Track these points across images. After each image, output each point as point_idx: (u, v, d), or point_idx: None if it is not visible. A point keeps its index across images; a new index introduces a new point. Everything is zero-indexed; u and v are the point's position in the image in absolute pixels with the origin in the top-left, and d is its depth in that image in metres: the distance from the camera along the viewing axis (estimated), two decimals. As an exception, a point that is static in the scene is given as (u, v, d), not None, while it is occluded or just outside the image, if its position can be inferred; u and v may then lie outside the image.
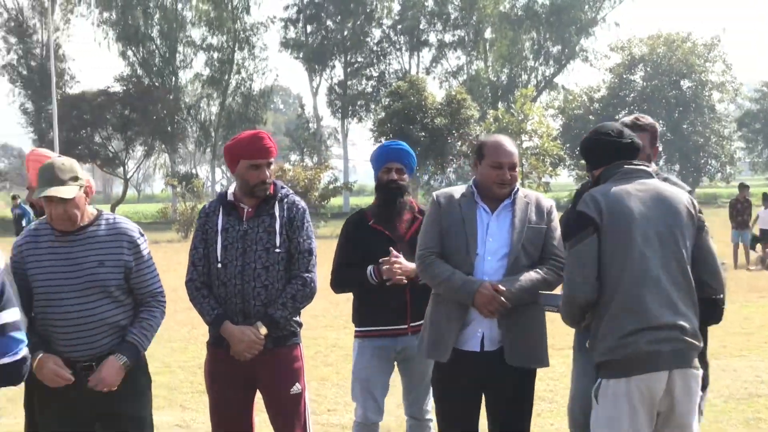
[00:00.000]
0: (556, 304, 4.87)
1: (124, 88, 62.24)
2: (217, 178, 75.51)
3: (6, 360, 4.13)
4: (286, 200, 5.48)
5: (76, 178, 4.84)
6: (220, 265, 5.38)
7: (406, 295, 5.86)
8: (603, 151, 4.80)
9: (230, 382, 5.46)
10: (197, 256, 5.47)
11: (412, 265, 5.68)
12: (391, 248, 5.80)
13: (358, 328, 6.09)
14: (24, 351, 4.23)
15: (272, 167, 5.46)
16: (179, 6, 65.24)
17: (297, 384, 5.47)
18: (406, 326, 5.91)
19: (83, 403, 4.93)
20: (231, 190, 5.54)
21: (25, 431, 5.61)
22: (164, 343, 11.19)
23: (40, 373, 4.80)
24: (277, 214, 5.41)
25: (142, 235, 5.15)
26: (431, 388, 5.57)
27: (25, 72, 64.27)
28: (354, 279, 5.95)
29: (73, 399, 4.90)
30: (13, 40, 64.20)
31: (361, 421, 6.02)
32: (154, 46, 65.35)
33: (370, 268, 5.83)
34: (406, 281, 5.77)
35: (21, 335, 4.13)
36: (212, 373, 5.58)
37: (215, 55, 66.23)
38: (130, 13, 63.53)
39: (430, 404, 5.96)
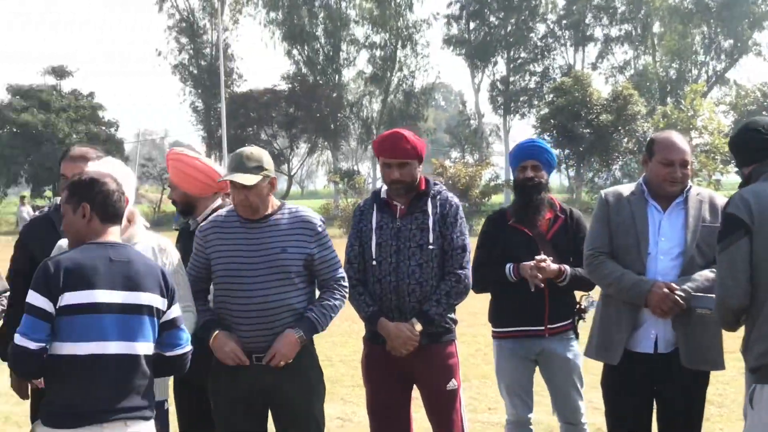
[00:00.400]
0: (709, 307, 4.72)
1: (290, 86, 63.59)
2: (378, 175, 76.17)
3: (175, 352, 4.30)
4: (438, 197, 5.47)
5: (261, 168, 4.96)
6: (374, 263, 5.41)
7: (544, 296, 5.77)
8: (753, 147, 4.58)
9: (386, 377, 5.49)
10: (353, 253, 5.51)
11: (555, 267, 5.64)
12: (542, 252, 5.73)
13: (494, 329, 6.05)
14: (189, 345, 4.33)
15: (416, 168, 5.43)
16: (343, 5, 65.96)
17: (453, 380, 5.47)
18: (543, 328, 5.82)
19: (256, 396, 5.03)
20: (385, 187, 5.55)
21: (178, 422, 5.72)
22: (326, 337, 11.28)
23: (220, 351, 4.93)
24: (429, 211, 5.40)
25: (323, 223, 5.21)
26: (601, 391, 5.44)
27: (195, 71, 66.26)
28: (493, 278, 5.87)
29: (246, 390, 5.00)
30: (184, 40, 66.28)
31: (512, 419, 6.01)
32: (319, 45, 66.26)
33: (508, 265, 5.77)
34: (542, 285, 5.70)
35: (185, 329, 4.32)
36: (369, 368, 5.63)
37: (378, 52, 66.71)
38: (296, 12, 64.62)
39: (584, 407, 5.89)
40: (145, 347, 4.17)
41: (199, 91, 65.83)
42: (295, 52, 65.99)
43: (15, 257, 5.46)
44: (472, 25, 68.92)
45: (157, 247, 4.90)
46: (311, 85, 63.87)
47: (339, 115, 63.90)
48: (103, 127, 59.08)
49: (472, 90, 71.99)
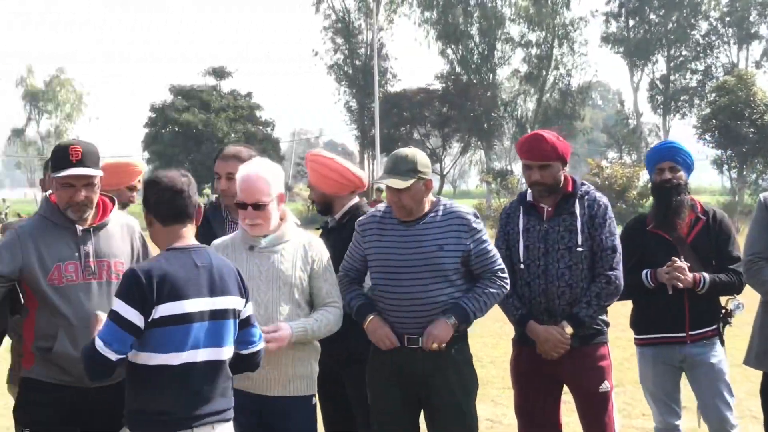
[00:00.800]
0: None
1: (443, 85, 63.73)
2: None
3: (250, 350, 4.37)
4: (586, 197, 5.41)
5: (415, 171, 4.99)
6: (522, 266, 5.39)
7: (684, 302, 5.64)
8: None
9: (535, 379, 5.47)
10: (500, 256, 5.44)
11: (690, 277, 5.55)
12: (674, 258, 5.61)
13: (636, 336, 5.96)
14: (261, 343, 4.39)
15: (559, 170, 5.37)
16: (498, 3, 65.64)
17: (605, 382, 5.41)
18: (684, 335, 5.69)
19: (409, 383, 5.08)
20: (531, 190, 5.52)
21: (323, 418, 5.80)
22: (476, 338, 11.21)
23: (374, 335, 5.04)
24: (577, 212, 5.35)
25: (477, 217, 5.20)
26: (760, 399, 5.31)
27: (350, 71, 67.06)
28: (631, 284, 5.70)
29: (399, 374, 5.07)
30: (339, 40, 67.16)
31: (659, 426, 5.93)
32: (473, 44, 66.12)
33: (645, 272, 5.67)
34: (682, 286, 5.57)
35: (258, 326, 4.37)
36: (518, 370, 5.62)
37: (533, 51, 66.15)
38: (451, 11, 64.66)
39: (733, 416, 5.73)
40: (228, 351, 4.25)
41: (354, 90, 66.61)
42: (449, 51, 66.08)
43: None
44: (631, 22, 67.75)
45: (307, 244, 4.99)
46: (465, 84, 63.81)
47: (492, 114, 63.63)
48: (260, 127, 60.43)
49: (631, 89, 70.89)
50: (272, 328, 4.71)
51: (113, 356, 4.03)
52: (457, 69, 66.15)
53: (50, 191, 4.98)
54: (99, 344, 4.02)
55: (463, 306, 5.01)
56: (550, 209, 5.39)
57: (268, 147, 57.69)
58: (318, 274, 4.99)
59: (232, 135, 56.33)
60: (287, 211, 5.04)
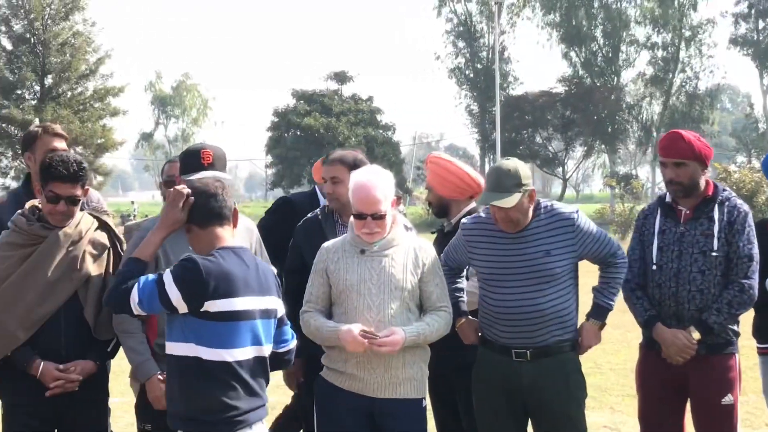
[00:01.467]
0: None
1: (566, 88, 63.14)
2: (657, 180, 74.30)
3: (285, 348, 4.46)
4: (727, 203, 5.25)
5: (519, 185, 4.93)
6: (654, 267, 5.28)
7: None
8: None
9: (660, 385, 5.35)
10: (633, 257, 5.40)
11: None
12: None
13: (759, 345, 5.76)
14: (294, 342, 4.49)
15: (698, 170, 5.24)
16: (623, 5, 64.74)
17: (729, 395, 5.22)
18: None
19: (515, 394, 5.05)
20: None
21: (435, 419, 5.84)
22: (598, 346, 11.23)
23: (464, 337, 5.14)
24: (716, 217, 5.20)
25: (577, 211, 5.17)
26: None
27: (471, 74, 66.99)
28: None
29: (508, 390, 5.03)
30: (461, 44, 67.16)
31: None
32: (597, 46, 65.37)
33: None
34: None
35: (289, 327, 4.48)
36: (642, 376, 5.51)
37: (659, 53, 65.03)
38: (574, 14, 64.02)
39: None
40: (269, 348, 4.33)
41: (475, 94, 66.50)
42: (572, 53, 65.43)
43: (288, 256, 5.74)
44: (761, 24, 65.95)
45: (417, 248, 5.00)
46: (588, 87, 63.15)
47: (617, 117, 62.78)
48: (381, 130, 60.76)
49: (760, 92, 69.02)
50: (387, 332, 4.71)
51: (138, 309, 4.17)
52: (581, 72, 65.44)
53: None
54: (134, 294, 4.14)
55: (599, 305, 5.10)
56: (688, 212, 5.28)
57: (389, 151, 58.06)
58: (428, 278, 4.98)
59: (353, 139, 56.75)
60: (397, 215, 5.06)
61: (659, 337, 5.20)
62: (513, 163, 5.07)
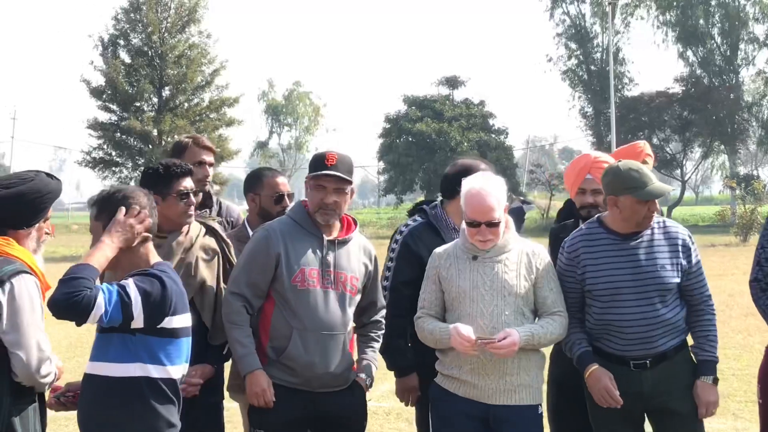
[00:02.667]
0: None
1: (683, 88, 61.92)
2: (780, 181, 72.41)
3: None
4: None
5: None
6: None
7: None
8: None
9: None
10: (764, 255, 5.29)
11: None
12: None
13: None
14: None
15: None
16: (741, 2, 63.19)
17: None
18: None
19: (635, 400, 4.99)
20: None
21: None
22: (719, 350, 11.02)
23: (594, 387, 4.98)
24: None
25: (691, 238, 5.14)
26: None
27: (585, 76, 66.20)
28: None
29: (626, 395, 4.97)
30: (573, 45, 66.41)
31: None
32: (715, 45, 63.96)
33: None
34: None
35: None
36: (766, 379, 5.38)
37: (780, 50, 63.33)
38: (691, 12, 62.76)
39: None
40: None
41: (589, 96, 65.68)
42: (689, 53, 64.13)
43: (399, 268, 5.65)
44: None
45: (530, 252, 4.99)
46: (706, 87, 61.81)
47: (736, 117, 61.25)
48: (493, 135, 60.46)
49: None
50: (502, 335, 4.69)
51: (94, 319, 4.00)
52: (698, 71, 64.08)
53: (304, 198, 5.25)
54: (100, 305, 3.98)
55: (709, 360, 5.04)
56: None
57: (501, 155, 57.69)
58: (542, 283, 4.97)
59: (465, 143, 56.63)
60: (510, 221, 5.06)
61: None
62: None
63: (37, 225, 4.54)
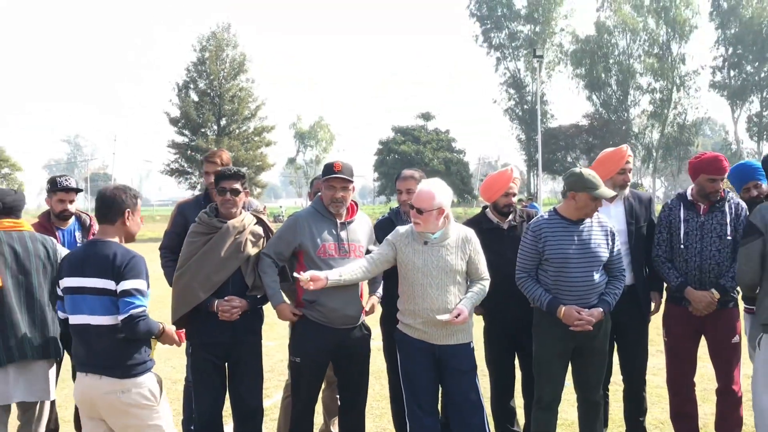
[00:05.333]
0: None
1: (589, 122, 62.31)
2: (656, 187, 72.45)
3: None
4: (731, 201, 5.21)
5: None
6: (682, 246, 5.19)
7: None
8: None
9: (683, 332, 5.30)
10: (661, 238, 5.32)
11: None
12: None
13: (746, 306, 5.47)
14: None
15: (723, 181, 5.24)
16: (631, 61, 63.23)
17: (736, 335, 5.23)
18: None
19: (568, 340, 4.87)
20: (689, 191, 5.34)
21: None
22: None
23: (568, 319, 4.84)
24: (727, 211, 5.15)
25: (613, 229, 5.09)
26: None
27: (519, 112, 66.10)
28: None
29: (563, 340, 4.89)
30: (512, 91, 66.27)
31: None
32: (612, 91, 64.04)
33: None
34: None
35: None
36: (668, 326, 5.42)
37: (657, 95, 63.33)
38: (595, 68, 62.84)
39: None
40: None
41: (522, 126, 65.73)
42: (594, 97, 64.21)
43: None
44: (732, 72, 63.70)
45: (464, 236, 4.84)
46: (605, 121, 61.98)
47: (627, 142, 61.25)
48: (455, 154, 60.41)
49: (732, 122, 66.73)
50: (456, 312, 4.64)
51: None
52: (600, 110, 64.19)
53: (320, 192, 5.14)
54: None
55: (605, 301, 4.91)
56: (705, 207, 5.24)
57: (461, 168, 57.69)
58: (473, 260, 4.83)
59: (435, 160, 56.58)
60: (450, 214, 4.84)
61: (690, 296, 5.14)
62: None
63: None
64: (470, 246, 4.81)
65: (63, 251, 4.81)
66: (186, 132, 49.41)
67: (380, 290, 5.29)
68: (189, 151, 48.70)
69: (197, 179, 48.04)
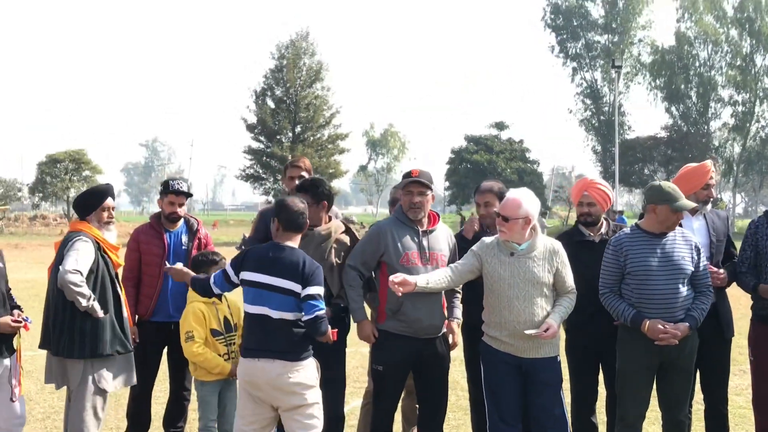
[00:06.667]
0: None
1: (668, 134, 60.93)
2: (737, 202, 70.19)
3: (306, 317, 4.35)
4: None
5: None
6: None
7: None
8: None
9: None
10: (745, 255, 5.20)
11: None
12: None
13: None
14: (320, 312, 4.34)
15: None
16: (712, 73, 61.59)
17: None
18: None
19: (654, 354, 4.79)
20: None
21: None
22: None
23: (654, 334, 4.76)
24: None
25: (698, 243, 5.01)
26: None
27: (596, 124, 64.94)
28: None
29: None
30: (588, 101, 65.22)
31: None
32: (692, 103, 62.47)
33: None
34: None
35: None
36: (755, 344, 5.24)
37: (739, 108, 61.48)
38: (675, 79, 61.41)
39: None
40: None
41: (598, 138, 64.59)
42: (673, 108, 62.76)
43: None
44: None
45: (551, 248, 4.80)
46: (685, 134, 60.50)
47: (706, 156, 59.59)
48: (529, 164, 59.79)
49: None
50: (545, 327, 4.62)
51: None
52: (679, 122, 62.69)
53: (400, 201, 5.17)
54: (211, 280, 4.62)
55: (691, 316, 4.79)
56: None
57: (534, 179, 56.98)
58: (562, 270, 4.80)
59: (508, 170, 56.10)
60: (538, 226, 4.81)
61: None
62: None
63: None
64: (557, 258, 4.77)
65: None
66: (262, 138, 50.23)
67: (459, 313, 5.26)
68: (264, 158, 49.47)
69: (272, 185, 48.73)
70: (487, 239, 4.87)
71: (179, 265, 4.93)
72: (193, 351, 5.18)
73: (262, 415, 4.50)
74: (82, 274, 4.73)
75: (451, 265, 4.87)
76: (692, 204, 4.89)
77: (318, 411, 4.48)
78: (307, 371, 4.45)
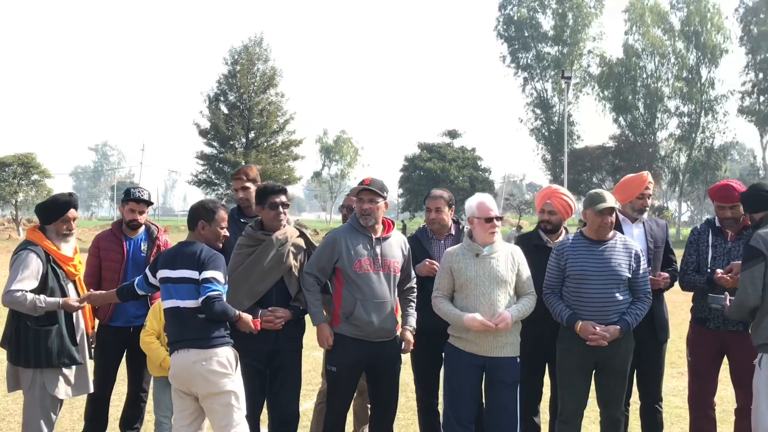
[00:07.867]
0: (720, 304, 4.82)
1: (616, 144, 61.98)
2: (682, 211, 71.83)
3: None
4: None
5: None
6: (709, 271, 5.32)
7: None
8: (762, 201, 4.89)
9: (707, 352, 5.43)
10: (690, 259, 5.46)
11: None
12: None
13: None
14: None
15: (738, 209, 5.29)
16: (659, 84, 62.97)
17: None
18: None
19: (589, 356, 5.05)
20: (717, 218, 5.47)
21: None
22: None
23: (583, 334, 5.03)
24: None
25: (641, 251, 5.25)
26: None
27: (546, 133, 65.84)
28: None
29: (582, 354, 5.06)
30: (539, 111, 66.10)
31: None
32: (639, 114, 63.75)
33: None
34: None
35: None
36: (692, 346, 5.53)
37: (685, 119, 62.98)
38: (622, 90, 62.64)
39: None
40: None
41: (548, 147, 65.50)
42: (621, 119, 63.95)
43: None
44: (761, 98, 63.17)
45: (511, 250, 5.10)
46: (632, 144, 61.68)
47: (653, 165, 60.97)
48: (480, 172, 60.26)
49: (761, 147, 66.15)
50: (498, 319, 4.86)
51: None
52: (627, 132, 63.90)
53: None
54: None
55: (626, 321, 5.05)
56: (732, 234, 5.35)
57: (486, 187, 57.46)
58: (520, 273, 5.08)
59: (460, 178, 56.50)
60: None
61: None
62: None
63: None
64: (517, 259, 5.07)
65: None
66: (215, 144, 49.81)
67: (414, 321, 5.37)
68: (217, 163, 49.08)
69: (224, 191, 48.39)
70: (450, 249, 5.16)
71: (93, 292, 5.12)
72: (143, 338, 5.42)
73: (188, 408, 4.62)
74: (23, 291, 4.85)
75: (441, 293, 5.11)
76: (611, 204, 5.06)
77: (236, 400, 4.55)
78: (221, 358, 4.54)
